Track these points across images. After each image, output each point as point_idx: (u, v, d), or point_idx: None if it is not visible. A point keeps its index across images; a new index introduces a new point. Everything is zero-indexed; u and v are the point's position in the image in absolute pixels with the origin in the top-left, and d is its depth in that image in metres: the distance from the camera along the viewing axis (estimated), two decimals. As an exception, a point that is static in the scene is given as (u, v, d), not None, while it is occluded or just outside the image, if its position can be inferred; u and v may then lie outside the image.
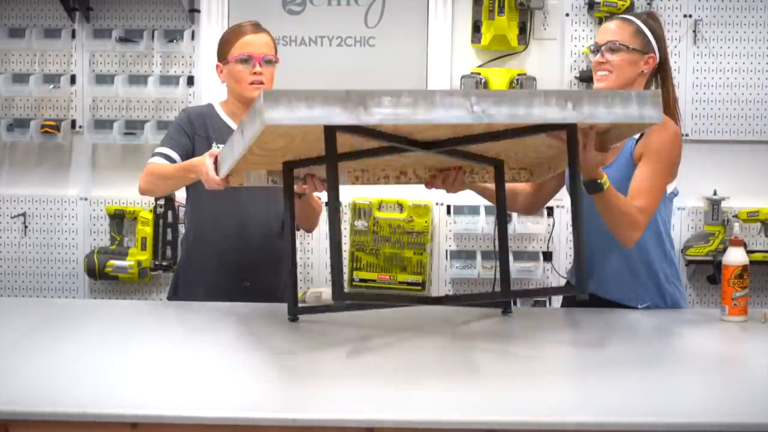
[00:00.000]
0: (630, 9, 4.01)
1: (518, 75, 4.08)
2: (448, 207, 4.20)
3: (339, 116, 2.05)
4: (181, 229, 4.05)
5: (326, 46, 4.25)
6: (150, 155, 2.95)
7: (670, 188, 2.83)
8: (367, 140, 2.26)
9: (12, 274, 4.34)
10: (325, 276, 4.27)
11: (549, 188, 3.04)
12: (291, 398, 2.07)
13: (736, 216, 4.12)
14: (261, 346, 2.44)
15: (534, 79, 4.09)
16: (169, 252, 4.16)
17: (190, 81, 4.21)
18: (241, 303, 2.87)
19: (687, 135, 4.12)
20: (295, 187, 2.65)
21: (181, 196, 3.49)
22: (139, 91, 4.20)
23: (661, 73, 2.87)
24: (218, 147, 2.83)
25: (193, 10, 4.21)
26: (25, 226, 4.33)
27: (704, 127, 4.16)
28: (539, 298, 2.38)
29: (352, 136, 2.20)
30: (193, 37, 4.20)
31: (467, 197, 4.10)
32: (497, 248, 2.78)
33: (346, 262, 4.22)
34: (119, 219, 4.25)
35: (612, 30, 2.80)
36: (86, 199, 4.32)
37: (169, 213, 4.15)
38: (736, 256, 2.69)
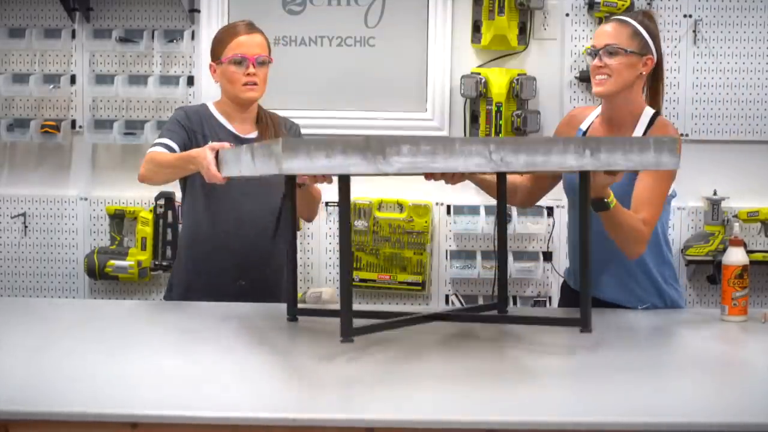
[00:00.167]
0: (630, 9, 4.01)
1: (518, 75, 4.08)
2: (448, 207, 4.20)
3: (358, 166, 2.06)
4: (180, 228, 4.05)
5: (326, 46, 4.25)
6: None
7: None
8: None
9: (12, 274, 4.34)
10: (325, 276, 4.27)
11: (547, 180, 3.03)
12: (291, 398, 2.07)
13: (736, 216, 4.12)
14: (261, 346, 2.44)
15: (534, 79, 4.09)
16: (169, 252, 4.16)
17: (190, 81, 4.21)
18: (240, 303, 2.87)
19: (687, 135, 4.12)
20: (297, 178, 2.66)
21: (179, 195, 3.49)
22: (139, 91, 4.20)
23: (656, 71, 2.85)
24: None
25: (193, 10, 4.22)
26: (25, 226, 4.33)
27: (704, 127, 4.16)
28: (539, 323, 2.40)
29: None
30: (193, 37, 4.20)
31: (467, 197, 4.12)
32: (497, 249, 2.78)
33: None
34: (119, 219, 4.25)
35: (609, 33, 2.78)
36: (86, 199, 4.31)
37: (169, 213, 4.15)
38: (736, 256, 2.69)
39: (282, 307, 2.73)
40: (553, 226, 4.13)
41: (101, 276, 4.19)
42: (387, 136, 2.09)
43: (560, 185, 3.03)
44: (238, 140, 2.96)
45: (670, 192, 2.84)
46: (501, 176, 2.71)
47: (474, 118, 4.15)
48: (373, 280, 4.20)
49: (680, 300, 2.94)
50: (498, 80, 4.07)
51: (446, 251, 4.24)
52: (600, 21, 4.10)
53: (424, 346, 2.45)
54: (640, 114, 2.82)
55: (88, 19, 4.24)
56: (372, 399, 2.06)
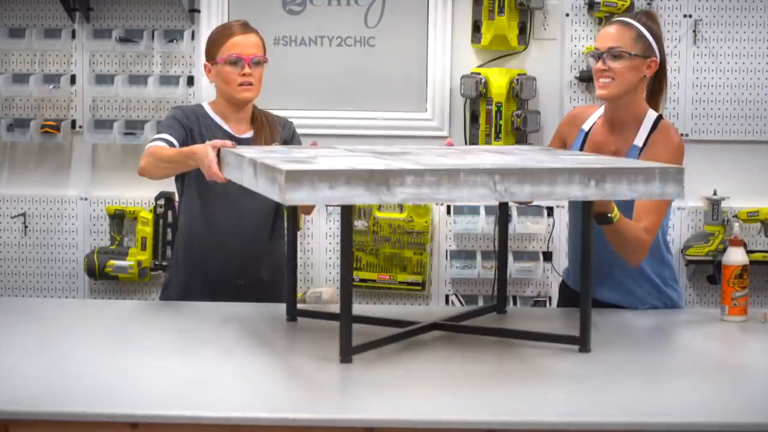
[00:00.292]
0: (630, 9, 4.00)
1: (518, 75, 4.08)
2: (448, 207, 4.20)
3: (362, 197, 2.06)
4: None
5: (326, 46, 4.25)
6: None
7: None
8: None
9: (12, 274, 4.34)
10: (325, 276, 4.27)
11: None
12: (291, 398, 2.07)
13: (736, 216, 4.12)
14: (260, 346, 2.44)
15: (534, 79, 4.09)
16: (169, 252, 4.16)
17: (190, 81, 4.21)
18: (239, 303, 2.86)
19: (687, 135, 4.12)
20: None
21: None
22: (139, 91, 4.20)
23: (659, 72, 2.84)
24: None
25: (193, 10, 4.21)
26: (25, 226, 4.33)
27: (704, 127, 4.16)
28: (540, 340, 2.40)
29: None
30: (193, 37, 4.20)
31: (467, 197, 4.11)
32: (497, 249, 2.78)
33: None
34: (119, 219, 4.24)
35: (612, 35, 2.76)
36: (86, 199, 4.31)
37: (169, 213, 4.15)
38: (736, 256, 2.69)
39: (281, 307, 2.73)
40: (553, 226, 4.13)
41: (101, 276, 4.19)
42: (391, 169, 2.09)
43: None
44: (233, 140, 2.96)
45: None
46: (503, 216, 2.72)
47: (474, 118, 4.15)
48: (373, 280, 4.20)
49: (680, 301, 2.94)
50: (498, 80, 4.07)
51: (446, 251, 4.24)
52: (600, 21, 4.10)
53: (423, 346, 2.44)
54: (643, 116, 2.81)
55: (88, 19, 4.24)
56: (372, 399, 2.06)
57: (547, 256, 4.19)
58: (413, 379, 2.19)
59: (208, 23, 4.17)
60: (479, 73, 4.09)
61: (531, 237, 4.22)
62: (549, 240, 4.15)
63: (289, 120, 3.17)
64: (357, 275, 4.20)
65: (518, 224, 4.09)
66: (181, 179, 3.02)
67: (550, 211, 4.12)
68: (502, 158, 2.47)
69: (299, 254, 4.22)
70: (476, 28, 4.15)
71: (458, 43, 4.20)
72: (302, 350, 2.42)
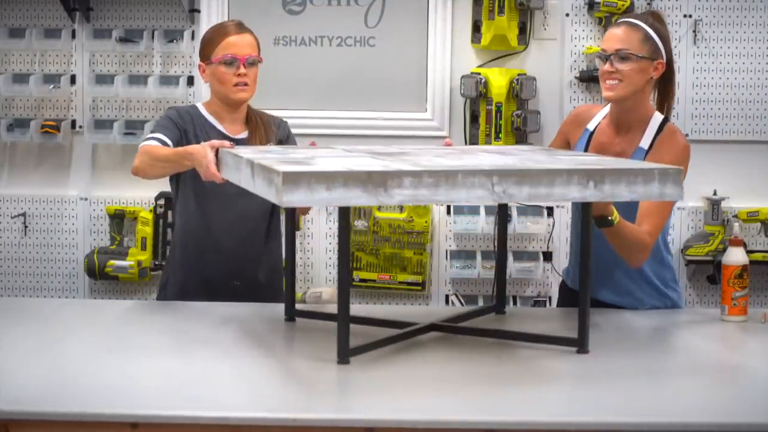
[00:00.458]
0: (630, 9, 4.01)
1: (518, 75, 4.08)
2: (448, 207, 4.19)
3: (359, 199, 2.06)
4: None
5: (326, 46, 4.25)
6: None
7: None
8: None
9: (12, 274, 4.34)
10: (325, 276, 4.27)
11: None
12: (291, 398, 2.07)
13: (736, 216, 4.12)
14: (260, 346, 2.44)
15: (534, 79, 4.09)
16: (169, 252, 4.15)
17: (190, 81, 4.21)
18: (238, 303, 2.86)
19: (687, 135, 4.11)
20: None
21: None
22: (139, 91, 4.20)
23: (667, 73, 2.83)
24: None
25: (193, 10, 4.21)
26: (25, 226, 4.33)
27: (704, 127, 4.16)
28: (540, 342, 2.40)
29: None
30: (193, 37, 4.20)
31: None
32: (497, 249, 2.78)
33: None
34: (119, 219, 4.24)
35: (620, 37, 2.75)
36: (86, 199, 4.31)
37: (169, 213, 4.14)
38: (736, 256, 2.69)
39: (279, 307, 2.73)
40: (553, 226, 4.13)
41: (101, 276, 4.19)
42: (389, 171, 2.09)
43: None
44: (228, 141, 2.95)
45: None
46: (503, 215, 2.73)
47: (474, 118, 4.15)
48: (373, 280, 4.20)
49: (680, 301, 2.94)
50: (498, 80, 4.07)
51: (446, 251, 4.24)
52: (600, 21, 4.10)
53: (422, 346, 2.44)
54: (649, 118, 2.81)
55: (88, 19, 4.24)
56: (372, 400, 2.06)
57: (547, 256, 4.19)
58: (412, 379, 2.19)
59: (208, 23, 4.16)
60: (479, 73, 4.09)
61: (531, 237, 4.22)
62: (549, 240, 4.15)
63: (284, 120, 3.15)
64: (357, 275, 4.20)
65: (518, 224, 4.09)
66: (176, 180, 3.01)
67: (550, 211, 4.12)
68: (500, 159, 2.47)
69: (299, 254, 4.23)
70: (476, 28, 4.15)
71: (458, 43, 4.20)
72: (301, 351, 2.42)
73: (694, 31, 4.13)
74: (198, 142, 2.83)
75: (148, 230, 4.17)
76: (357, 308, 2.29)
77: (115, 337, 2.54)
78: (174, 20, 4.24)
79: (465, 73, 4.13)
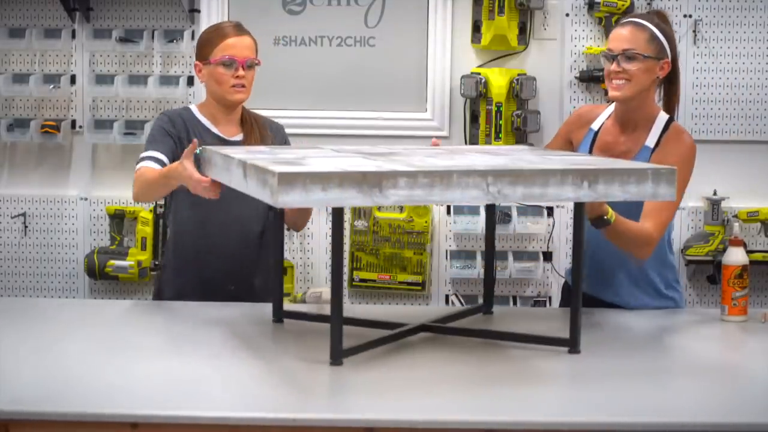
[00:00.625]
0: (630, 9, 4.01)
1: (518, 75, 4.08)
2: (448, 207, 4.19)
3: (354, 199, 2.05)
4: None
5: (326, 46, 4.25)
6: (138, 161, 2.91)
7: None
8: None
9: (12, 274, 4.34)
10: (325, 276, 4.27)
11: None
12: (291, 399, 2.07)
13: (736, 216, 4.12)
14: (260, 347, 2.44)
15: (534, 79, 4.09)
16: (162, 257, 4.15)
17: (190, 81, 4.21)
18: (238, 303, 2.86)
19: (687, 135, 4.12)
20: None
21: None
22: (139, 91, 4.20)
23: (672, 72, 2.84)
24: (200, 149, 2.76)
25: (193, 10, 4.21)
26: (25, 226, 4.33)
27: (704, 127, 4.16)
28: (528, 342, 2.40)
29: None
30: (193, 37, 4.19)
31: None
32: (486, 249, 2.78)
33: (346, 262, 4.22)
34: (119, 219, 4.24)
35: (626, 37, 2.76)
36: (86, 199, 4.31)
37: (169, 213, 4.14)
38: (736, 256, 2.69)
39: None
40: (553, 226, 4.13)
41: (101, 276, 4.19)
42: (384, 171, 2.08)
43: None
44: (223, 143, 2.94)
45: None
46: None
47: (474, 118, 4.15)
48: (373, 280, 4.20)
49: (681, 302, 2.95)
50: (498, 80, 4.06)
51: (446, 251, 4.24)
52: (600, 21, 4.10)
53: (411, 348, 2.44)
54: (654, 117, 2.82)
55: (88, 19, 4.24)
56: (370, 400, 2.06)
57: (547, 256, 4.19)
58: (408, 380, 2.19)
59: (208, 23, 4.15)
60: (479, 73, 4.09)
61: (531, 237, 4.22)
62: (549, 240, 4.15)
63: (281, 125, 3.13)
64: (357, 275, 4.20)
65: (518, 224, 4.09)
66: (172, 191, 2.96)
67: (550, 211, 4.12)
68: (492, 159, 2.46)
69: (300, 254, 4.23)
70: (476, 28, 4.15)
71: (458, 43, 4.20)
72: (295, 352, 2.41)
73: (694, 31, 4.13)
74: None
75: (148, 230, 4.17)
76: (348, 308, 2.28)
77: (115, 337, 2.54)
78: (174, 20, 4.24)
79: (465, 73, 4.13)
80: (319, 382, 2.17)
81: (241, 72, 2.91)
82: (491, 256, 2.82)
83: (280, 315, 2.66)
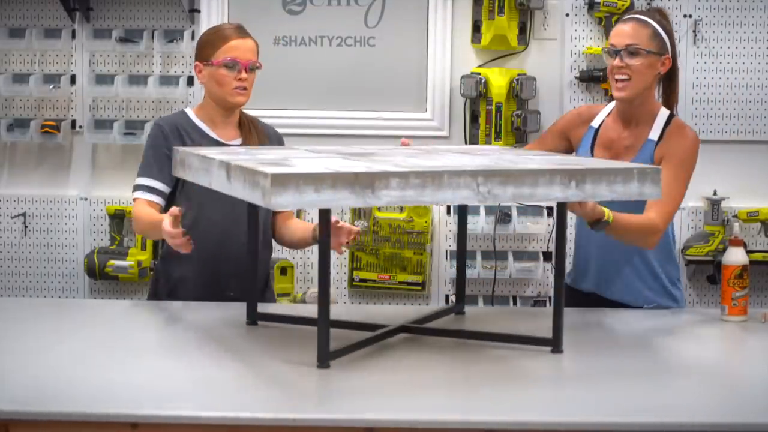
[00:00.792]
0: (630, 9, 4.01)
1: (518, 75, 4.08)
2: (448, 207, 4.19)
3: (347, 200, 2.04)
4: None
5: (326, 46, 4.25)
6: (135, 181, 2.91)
7: None
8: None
9: (12, 274, 4.34)
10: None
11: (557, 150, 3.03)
12: (291, 398, 2.07)
13: (736, 216, 4.12)
14: (260, 347, 2.44)
15: (534, 79, 4.09)
16: (158, 262, 4.14)
17: (190, 81, 4.21)
18: (237, 303, 2.86)
19: (687, 135, 4.12)
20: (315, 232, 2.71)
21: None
22: (139, 91, 4.20)
23: (671, 70, 2.87)
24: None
25: (193, 10, 4.21)
26: (25, 226, 4.33)
27: (704, 127, 4.16)
28: (513, 342, 2.40)
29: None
30: (193, 37, 4.19)
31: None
32: (457, 247, 2.77)
33: (346, 262, 4.22)
34: (119, 219, 4.25)
35: (629, 33, 2.78)
36: (86, 199, 4.32)
37: (169, 213, 4.14)
38: (736, 256, 2.69)
39: (280, 308, 2.72)
40: (554, 226, 4.12)
41: (101, 276, 4.19)
42: (376, 172, 2.08)
43: None
44: (220, 146, 2.91)
45: None
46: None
47: (474, 118, 4.15)
48: (373, 280, 4.20)
49: (682, 301, 2.96)
50: (498, 80, 4.07)
51: (446, 251, 4.24)
52: (600, 21, 4.10)
53: (392, 349, 2.43)
54: (656, 113, 2.85)
55: (88, 19, 4.24)
56: (368, 400, 2.06)
57: (547, 256, 4.18)
58: (400, 381, 2.18)
59: (208, 23, 4.16)
60: (479, 73, 4.09)
61: (531, 237, 4.22)
62: (549, 240, 4.15)
63: (277, 131, 3.10)
64: (357, 275, 4.20)
65: (518, 224, 4.09)
66: (173, 193, 2.93)
67: (550, 211, 4.12)
68: (473, 159, 2.44)
69: (300, 254, 4.23)
70: (476, 28, 4.15)
71: (458, 43, 4.20)
72: (301, 351, 2.41)
73: (694, 31, 4.13)
74: None
75: (148, 230, 4.17)
76: (334, 315, 2.26)
77: (115, 337, 2.54)
78: (174, 20, 4.24)
79: (465, 73, 4.13)
80: (313, 383, 2.16)
81: (243, 74, 2.89)
82: (462, 256, 2.82)
83: (254, 317, 2.64)
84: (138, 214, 2.88)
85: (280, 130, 3.12)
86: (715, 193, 4.14)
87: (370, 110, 4.23)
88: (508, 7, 4.07)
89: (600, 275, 2.91)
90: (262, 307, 2.71)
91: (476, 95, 4.07)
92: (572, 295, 3.00)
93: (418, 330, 2.55)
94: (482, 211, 4.12)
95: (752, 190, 4.19)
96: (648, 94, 2.83)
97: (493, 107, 4.07)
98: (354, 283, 4.21)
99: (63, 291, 4.33)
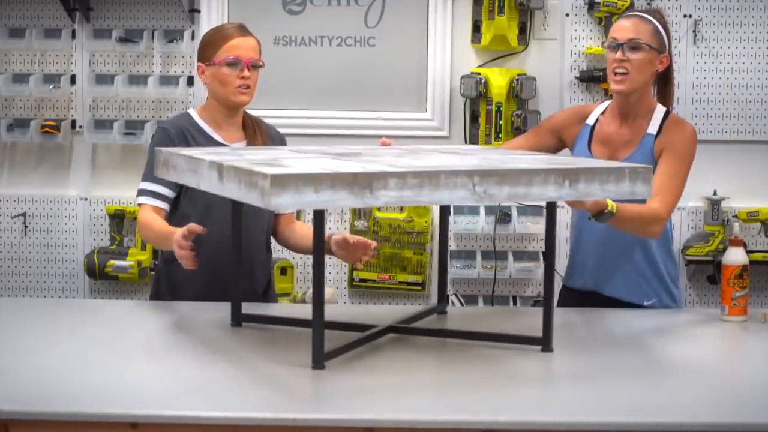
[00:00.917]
0: (630, 9, 4.01)
1: (518, 75, 4.08)
2: (448, 207, 4.18)
3: (345, 200, 2.04)
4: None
5: (326, 46, 4.25)
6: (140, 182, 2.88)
7: None
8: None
9: (12, 274, 4.34)
10: (325, 276, 4.26)
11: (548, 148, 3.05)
12: (290, 399, 2.07)
13: (736, 216, 4.12)
14: (260, 348, 2.44)
15: (534, 79, 4.09)
16: (160, 263, 4.14)
17: (190, 81, 4.21)
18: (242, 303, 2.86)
19: (687, 135, 4.12)
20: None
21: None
22: (139, 91, 4.20)
23: (667, 70, 2.91)
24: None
25: (193, 10, 4.22)
26: (25, 226, 4.33)
27: (704, 127, 4.16)
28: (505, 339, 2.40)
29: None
30: (193, 37, 4.20)
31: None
32: (439, 246, 2.77)
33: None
34: (119, 219, 4.25)
35: (632, 28, 2.82)
36: (86, 199, 4.32)
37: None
38: (736, 256, 2.69)
39: (281, 308, 2.72)
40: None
41: (101, 276, 4.19)
42: (375, 172, 2.07)
43: None
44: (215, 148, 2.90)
45: None
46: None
47: (474, 118, 4.15)
48: (373, 280, 4.20)
49: (680, 300, 2.98)
50: (498, 80, 4.07)
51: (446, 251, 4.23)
52: (600, 21, 4.10)
53: (381, 350, 2.43)
54: (653, 109, 2.89)
55: (88, 19, 4.24)
56: (367, 400, 2.06)
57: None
58: (397, 382, 2.18)
59: (208, 23, 4.17)
60: (479, 73, 4.09)
61: (531, 237, 4.22)
62: (549, 240, 4.14)
63: (279, 131, 3.09)
64: (357, 275, 4.20)
65: (518, 224, 4.09)
66: (176, 198, 2.91)
67: (550, 211, 4.11)
68: (462, 159, 2.43)
69: (299, 254, 4.22)
70: (476, 28, 4.15)
71: (458, 43, 4.20)
72: (301, 351, 2.41)
73: (694, 31, 4.13)
74: None
75: (148, 230, 4.17)
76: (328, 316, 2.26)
77: (115, 337, 2.54)
78: (174, 20, 4.25)
79: (465, 73, 4.13)
80: (311, 384, 2.16)
81: (246, 73, 2.87)
82: (445, 255, 2.82)
83: (238, 318, 2.64)
84: (145, 221, 2.83)
85: (280, 130, 3.12)
86: (715, 193, 4.14)
87: (370, 110, 4.23)
88: (508, 7, 4.07)
89: (599, 272, 2.92)
90: (262, 308, 2.70)
91: (476, 95, 4.07)
92: (569, 294, 3.01)
93: (407, 330, 2.56)
94: (482, 211, 4.13)
95: (752, 190, 4.19)
96: (646, 90, 2.87)
97: (493, 107, 4.07)
98: (354, 283, 4.21)
99: (63, 291, 4.33)
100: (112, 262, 4.17)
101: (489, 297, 4.15)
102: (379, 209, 4.18)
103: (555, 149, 3.03)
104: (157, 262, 4.12)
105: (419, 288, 4.19)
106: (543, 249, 4.20)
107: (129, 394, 2.07)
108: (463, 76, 4.11)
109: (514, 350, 2.40)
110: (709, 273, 4.11)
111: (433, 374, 2.30)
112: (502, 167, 2.22)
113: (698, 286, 4.21)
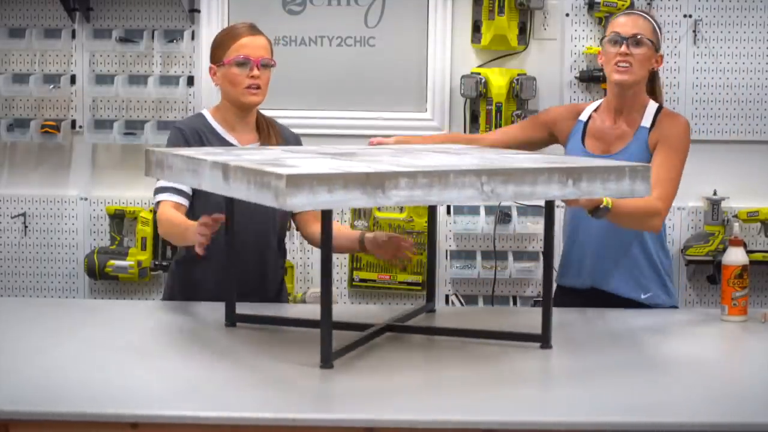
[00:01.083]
0: (629, 9, 4.00)
1: (518, 75, 4.08)
2: (448, 207, 4.19)
3: (358, 200, 2.05)
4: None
5: (326, 46, 4.25)
6: (156, 185, 2.85)
7: None
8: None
9: (12, 274, 4.34)
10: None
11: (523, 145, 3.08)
12: (290, 399, 2.07)
13: (736, 216, 4.12)
14: (260, 348, 2.44)
15: (534, 79, 4.09)
16: (169, 252, 4.16)
17: (190, 81, 4.21)
18: (242, 303, 2.85)
19: (687, 135, 4.12)
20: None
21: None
22: (139, 91, 4.20)
23: (655, 73, 2.99)
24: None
25: (193, 10, 4.21)
26: (25, 226, 4.33)
27: (704, 127, 4.16)
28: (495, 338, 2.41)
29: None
30: (193, 37, 4.20)
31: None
32: (428, 247, 2.78)
33: (346, 262, 4.22)
34: (119, 219, 4.24)
35: (635, 24, 2.88)
36: (86, 199, 4.31)
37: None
38: (736, 256, 2.70)
39: (283, 308, 2.73)
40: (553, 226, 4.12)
41: (101, 276, 4.19)
42: (387, 172, 2.08)
43: None
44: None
45: None
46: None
47: (474, 118, 4.15)
48: (373, 280, 4.20)
49: (674, 296, 3.03)
50: (498, 80, 4.07)
51: (446, 251, 4.24)
52: (600, 21, 4.10)
53: (388, 349, 2.43)
54: (646, 104, 2.94)
55: (88, 19, 4.24)
56: (368, 400, 2.06)
57: (547, 256, 4.17)
58: (399, 382, 2.18)
59: (208, 23, 4.17)
60: (479, 73, 4.09)
61: (531, 237, 4.22)
62: (549, 240, 4.14)
63: (294, 132, 3.07)
64: (357, 275, 4.20)
65: (518, 224, 4.09)
66: (192, 205, 2.89)
67: (550, 211, 4.11)
68: (461, 159, 2.43)
69: (300, 254, 4.23)
70: (476, 28, 4.15)
71: (458, 43, 4.20)
72: (301, 351, 2.41)
73: (694, 31, 4.13)
74: None
75: (148, 230, 4.17)
76: (313, 310, 2.25)
77: (115, 336, 2.54)
78: (174, 20, 4.24)
79: (465, 73, 4.13)
80: (311, 383, 2.16)
81: (255, 72, 2.85)
82: (433, 254, 2.83)
83: (233, 319, 2.63)
84: (166, 216, 2.78)
85: (284, 131, 3.11)
86: (715, 193, 4.14)
87: (370, 110, 4.23)
88: (508, 7, 4.07)
89: (597, 269, 2.94)
90: (267, 309, 2.70)
91: (476, 95, 4.07)
92: (565, 293, 3.02)
93: (405, 329, 2.56)
94: (482, 211, 4.13)
95: (752, 190, 4.19)
96: (642, 85, 2.93)
97: (493, 107, 4.07)
98: (354, 283, 4.21)
99: (63, 291, 4.33)
100: (112, 262, 4.17)
101: (489, 297, 4.15)
102: (379, 209, 4.17)
103: (543, 144, 3.09)
104: (157, 262, 4.17)
105: (419, 288, 4.18)
106: (543, 249, 4.19)
107: (129, 394, 2.07)
108: (463, 76, 4.11)
109: (514, 349, 2.40)
110: (709, 273, 4.11)
111: (433, 374, 2.30)
112: (508, 166, 2.23)
113: (698, 286, 4.21)
